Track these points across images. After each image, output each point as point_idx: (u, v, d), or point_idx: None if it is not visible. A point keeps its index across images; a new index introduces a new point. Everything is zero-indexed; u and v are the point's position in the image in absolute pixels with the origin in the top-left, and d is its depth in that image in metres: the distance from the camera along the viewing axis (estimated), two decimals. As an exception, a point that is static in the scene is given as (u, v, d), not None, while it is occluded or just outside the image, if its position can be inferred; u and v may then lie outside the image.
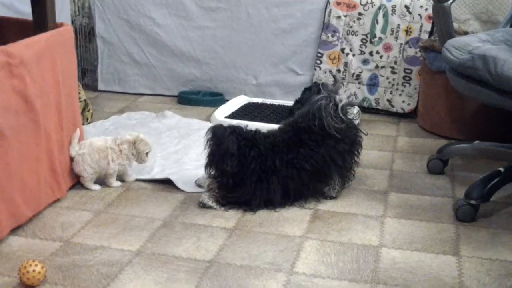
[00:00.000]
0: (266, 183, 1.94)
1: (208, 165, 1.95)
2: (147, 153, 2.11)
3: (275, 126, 2.61)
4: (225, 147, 1.91)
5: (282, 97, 3.06)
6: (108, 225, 1.84)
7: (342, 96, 1.96)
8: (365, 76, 2.95)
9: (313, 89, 2.70)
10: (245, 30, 3.11)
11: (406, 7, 2.87)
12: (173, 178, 2.11)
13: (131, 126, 2.69)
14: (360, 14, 2.94)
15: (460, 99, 2.52)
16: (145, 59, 3.22)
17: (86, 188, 2.08)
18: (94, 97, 3.11)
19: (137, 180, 2.16)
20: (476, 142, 2.18)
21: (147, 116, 2.85)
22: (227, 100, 3.04)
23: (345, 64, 2.98)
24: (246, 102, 3.05)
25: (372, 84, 2.93)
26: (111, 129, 2.66)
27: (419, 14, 2.84)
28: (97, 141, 2.08)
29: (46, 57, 1.83)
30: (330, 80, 2.70)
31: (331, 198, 2.02)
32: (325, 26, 3.00)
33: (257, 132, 2.00)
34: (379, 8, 2.91)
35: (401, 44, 2.88)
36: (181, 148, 2.43)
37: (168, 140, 2.52)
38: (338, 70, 2.99)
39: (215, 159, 1.94)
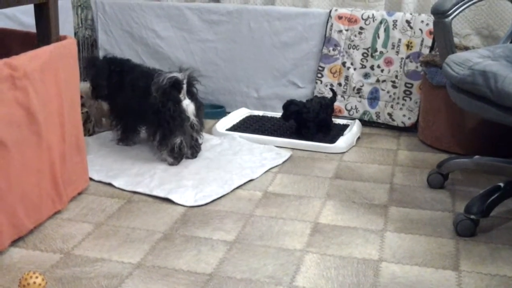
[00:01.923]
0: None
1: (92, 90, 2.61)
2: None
3: (276, 139, 2.65)
4: (99, 70, 2.56)
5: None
6: (109, 237, 1.85)
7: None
8: (366, 90, 2.96)
9: (314, 100, 2.73)
10: (246, 43, 3.13)
11: (407, 21, 2.89)
12: (172, 197, 2.11)
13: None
14: (361, 28, 2.96)
15: (461, 114, 2.53)
16: (147, 71, 3.24)
17: (87, 200, 2.09)
18: (96, 109, 3.12)
19: (137, 192, 2.17)
20: (476, 157, 2.19)
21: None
22: (228, 113, 3.05)
23: (346, 78, 2.99)
24: (247, 114, 3.06)
25: (373, 98, 2.95)
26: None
27: (420, 29, 2.86)
28: None
29: (49, 70, 1.84)
30: (329, 93, 2.76)
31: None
32: (327, 40, 3.02)
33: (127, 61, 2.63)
34: (381, 22, 2.93)
35: (402, 58, 2.89)
36: (182, 160, 2.43)
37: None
38: (339, 84, 3.00)
39: (93, 82, 2.59)
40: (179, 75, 2.32)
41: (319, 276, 1.64)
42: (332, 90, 2.86)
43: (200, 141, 2.50)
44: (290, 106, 2.71)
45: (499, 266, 1.71)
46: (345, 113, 3.00)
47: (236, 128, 2.86)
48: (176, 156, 2.39)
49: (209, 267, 1.68)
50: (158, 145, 2.41)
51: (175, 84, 2.32)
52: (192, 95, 2.39)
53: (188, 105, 2.36)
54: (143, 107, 2.41)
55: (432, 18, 2.52)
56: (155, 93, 2.30)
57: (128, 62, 2.60)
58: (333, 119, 2.86)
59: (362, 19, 2.96)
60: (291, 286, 1.60)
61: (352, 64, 2.98)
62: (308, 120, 2.69)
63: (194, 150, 2.48)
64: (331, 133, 2.76)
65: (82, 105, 2.54)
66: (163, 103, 2.32)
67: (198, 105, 2.42)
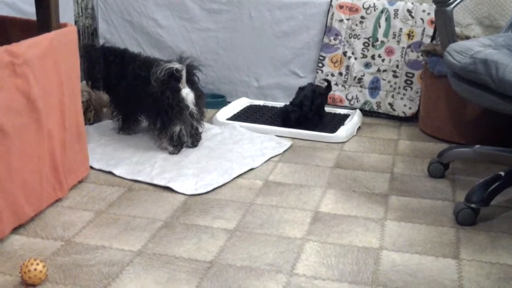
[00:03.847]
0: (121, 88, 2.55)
1: (86, 77, 2.58)
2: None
3: (277, 129, 2.65)
4: (94, 60, 2.55)
5: (283, 99, 3.07)
6: (110, 225, 1.85)
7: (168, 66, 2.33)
8: (367, 79, 2.95)
9: (307, 88, 2.73)
10: (247, 32, 3.12)
11: (409, 11, 2.88)
12: (172, 185, 2.11)
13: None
14: (362, 17, 2.95)
15: (462, 103, 2.53)
16: (147, 61, 3.23)
17: (88, 189, 2.09)
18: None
19: (137, 181, 2.17)
20: (477, 146, 2.19)
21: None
22: (229, 102, 3.05)
23: (347, 68, 2.98)
24: (248, 104, 3.06)
25: (374, 88, 2.94)
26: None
27: (421, 18, 2.85)
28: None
29: (49, 57, 1.84)
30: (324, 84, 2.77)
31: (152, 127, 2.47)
32: (328, 29, 3.01)
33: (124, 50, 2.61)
34: (382, 12, 2.92)
35: (403, 48, 2.89)
36: (183, 149, 2.43)
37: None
38: (340, 73, 3.00)
39: (88, 71, 2.56)
40: (178, 65, 2.31)
41: (319, 264, 1.65)
42: (326, 80, 2.87)
43: (200, 130, 2.49)
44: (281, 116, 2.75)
45: (499, 254, 1.72)
46: (346, 103, 2.99)
47: (236, 117, 2.86)
48: (176, 145, 2.39)
49: (209, 255, 1.69)
50: (158, 133, 2.41)
51: (174, 74, 2.31)
52: (192, 84, 2.39)
53: (187, 93, 2.36)
54: (144, 96, 2.41)
55: (433, 7, 2.52)
56: (154, 82, 2.30)
57: (127, 51, 2.59)
58: (335, 110, 2.85)
59: (363, 8, 2.95)
60: (291, 274, 1.60)
61: (353, 53, 2.98)
62: (302, 115, 2.69)
63: (194, 139, 2.47)
64: (322, 120, 2.75)
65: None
66: (162, 92, 2.32)
67: (199, 94, 2.41)
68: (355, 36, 2.97)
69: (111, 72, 2.55)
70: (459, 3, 2.03)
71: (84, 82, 2.60)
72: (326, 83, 2.87)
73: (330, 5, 3.00)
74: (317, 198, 2.06)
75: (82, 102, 2.56)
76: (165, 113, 2.35)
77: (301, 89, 2.78)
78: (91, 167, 2.24)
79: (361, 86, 2.97)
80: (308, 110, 2.68)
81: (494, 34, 2.61)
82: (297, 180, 2.21)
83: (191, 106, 2.37)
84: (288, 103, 2.77)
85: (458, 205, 1.90)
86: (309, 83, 2.84)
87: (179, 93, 2.34)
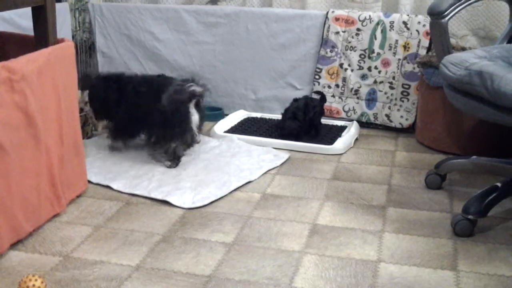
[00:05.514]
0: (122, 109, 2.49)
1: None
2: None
3: (274, 141, 2.66)
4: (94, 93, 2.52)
5: (281, 111, 3.07)
6: (108, 240, 1.85)
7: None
8: (364, 91, 2.96)
9: (300, 100, 2.74)
10: (244, 45, 3.13)
11: (404, 23, 2.89)
12: (170, 199, 2.12)
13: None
14: (358, 29, 2.97)
15: (458, 114, 2.54)
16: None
17: (86, 203, 2.09)
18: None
19: (135, 195, 2.17)
20: (474, 157, 2.19)
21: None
22: (227, 115, 3.06)
23: (344, 79, 3.00)
24: (245, 116, 3.07)
25: (371, 99, 2.95)
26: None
27: (417, 30, 2.87)
28: None
29: (47, 73, 1.85)
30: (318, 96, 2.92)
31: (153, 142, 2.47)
32: (324, 42, 3.02)
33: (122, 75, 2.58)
34: (378, 23, 2.93)
35: (399, 59, 2.90)
36: (181, 163, 2.44)
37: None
38: (337, 85, 3.01)
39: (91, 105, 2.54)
40: (198, 89, 2.35)
41: (317, 277, 1.65)
42: (319, 92, 2.88)
43: (196, 140, 2.52)
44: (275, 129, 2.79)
45: (497, 266, 1.72)
46: (343, 115, 3.00)
47: (234, 130, 2.86)
48: (173, 159, 2.40)
49: (208, 268, 1.69)
50: (156, 148, 2.42)
51: (196, 97, 2.35)
52: (198, 106, 2.40)
53: (193, 114, 2.38)
54: (145, 112, 2.41)
55: (428, 19, 2.53)
56: (165, 101, 2.29)
57: (124, 75, 2.56)
58: (332, 122, 2.86)
59: (359, 20, 2.97)
60: (290, 287, 1.60)
61: (349, 65, 2.99)
62: (295, 128, 2.71)
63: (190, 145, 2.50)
64: (319, 132, 2.76)
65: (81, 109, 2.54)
66: (173, 112, 2.32)
67: (202, 116, 2.43)
68: (351, 48, 2.98)
69: (110, 100, 2.50)
70: (454, 15, 2.05)
71: (82, 93, 2.60)
72: (319, 96, 2.88)
73: (326, 17, 3.02)
74: (315, 211, 2.06)
75: (80, 116, 2.56)
76: (168, 130, 2.35)
77: (295, 101, 2.79)
78: (89, 181, 2.24)
79: (357, 98, 2.98)
80: (302, 123, 2.69)
81: (490, 45, 2.63)
82: (295, 192, 2.21)
83: (195, 128, 2.39)
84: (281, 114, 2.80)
85: (456, 217, 1.91)
86: (304, 96, 2.85)
87: (189, 115, 2.36)
